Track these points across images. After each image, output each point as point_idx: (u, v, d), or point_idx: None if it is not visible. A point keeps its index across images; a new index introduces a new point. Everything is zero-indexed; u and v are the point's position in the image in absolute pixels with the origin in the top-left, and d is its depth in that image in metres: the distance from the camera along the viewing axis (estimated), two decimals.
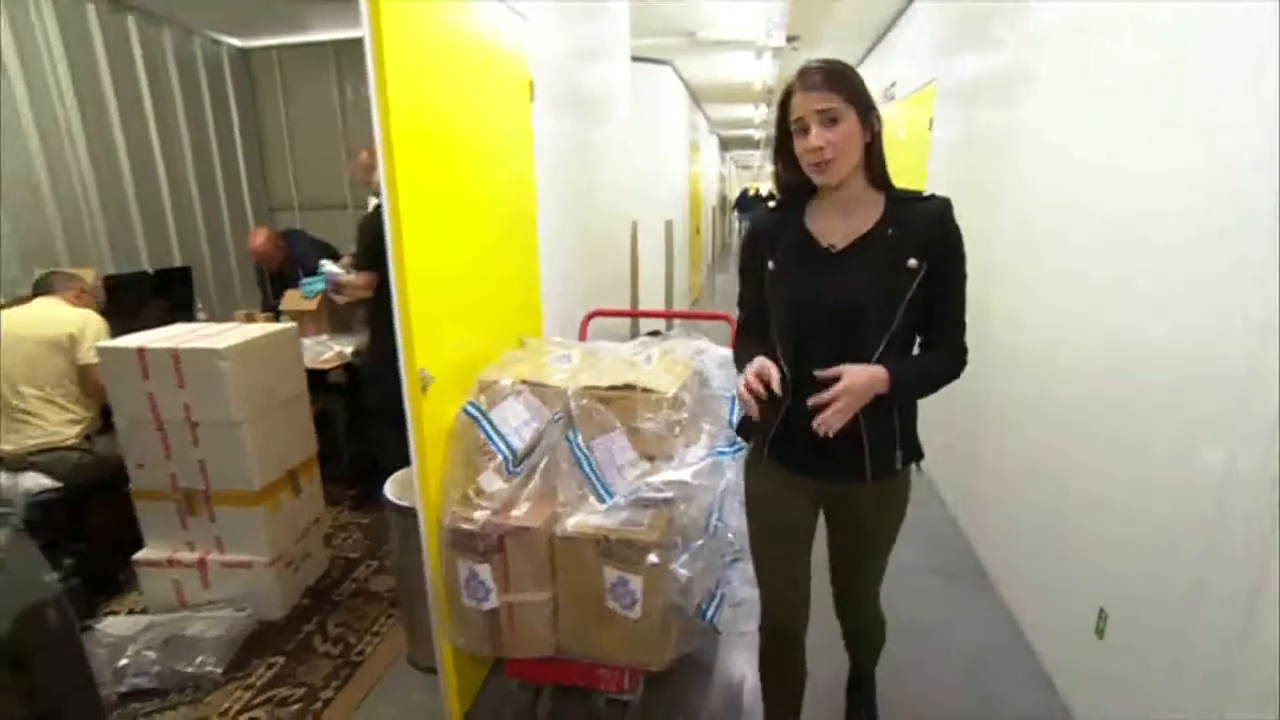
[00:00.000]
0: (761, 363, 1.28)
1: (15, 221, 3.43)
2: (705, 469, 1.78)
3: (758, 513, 1.54)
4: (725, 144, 15.05)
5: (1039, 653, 2.20)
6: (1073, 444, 2.01)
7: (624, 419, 1.76)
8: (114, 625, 2.29)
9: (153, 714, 2.03)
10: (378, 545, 2.95)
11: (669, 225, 6.53)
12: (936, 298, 1.30)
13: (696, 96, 8.34)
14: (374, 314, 2.81)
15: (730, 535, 1.85)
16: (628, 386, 1.78)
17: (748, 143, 14.61)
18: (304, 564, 2.59)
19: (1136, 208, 1.72)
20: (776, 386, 1.25)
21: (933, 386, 1.35)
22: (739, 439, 2.04)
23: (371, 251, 2.68)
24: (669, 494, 1.71)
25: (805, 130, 1.24)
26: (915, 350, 1.38)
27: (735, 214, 24.33)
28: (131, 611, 2.46)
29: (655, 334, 3.13)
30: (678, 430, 1.78)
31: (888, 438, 1.37)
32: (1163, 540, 1.57)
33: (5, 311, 2.52)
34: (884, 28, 4.78)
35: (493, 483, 1.74)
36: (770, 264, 1.37)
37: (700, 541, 1.75)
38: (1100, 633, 1.81)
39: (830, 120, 1.21)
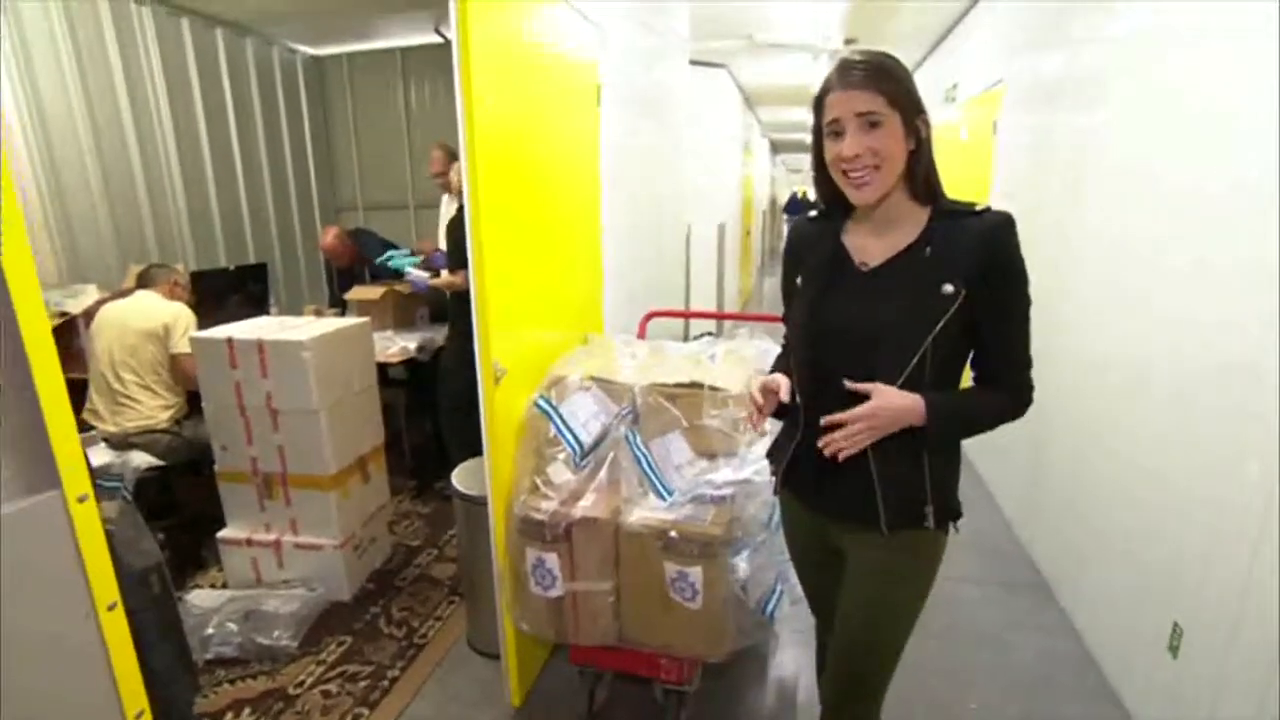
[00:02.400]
0: (773, 376, 1.22)
1: (115, 220, 3.68)
2: (764, 465, 1.80)
3: (787, 537, 1.45)
4: (776, 147, 14.97)
5: (1104, 666, 2.15)
6: (1147, 455, 1.96)
7: (689, 416, 1.79)
8: (200, 597, 2.44)
9: (235, 681, 2.16)
10: (438, 534, 3.05)
11: (721, 228, 6.54)
12: (987, 330, 1.11)
13: (750, 99, 8.34)
14: (456, 310, 2.93)
15: None
16: (694, 384, 1.82)
17: (799, 146, 14.48)
18: (370, 548, 2.71)
19: (1219, 223, 1.67)
20: (784, 394, 1.17)
21: (979, 427, 1.16)
22: None
23: (461, 249, 2.79)
24: (729, 491, 1.73)
25: (839, 134, 1.07)
26: (964, 384, 1.20)
27: (785, 217, 24.21)
28: (214, 586, 2.61)
29: (709, 335, 3.17)
30: (742, 428, 1.81)
31: (912, 483, 1.15)
32: (1245, 555, 1.52)
33: (110, 303, 2.72)
34: (946, 28, 4.71)
35: (561, 474, 1.80)
36: (798, 280, 1.24)
37: (762, 537, 1.77)
38: (1174, 650, 1.76)
39: (870, 125, 1.04)
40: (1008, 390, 1.15)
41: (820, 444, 1.11)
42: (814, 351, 1.18)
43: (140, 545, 2.01)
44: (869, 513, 1.16)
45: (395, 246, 4.01)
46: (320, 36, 4.87)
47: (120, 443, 2.50)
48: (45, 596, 0.75)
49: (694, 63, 4.91)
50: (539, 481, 1.82)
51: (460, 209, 3.02)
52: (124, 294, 2.80)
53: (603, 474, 1.81)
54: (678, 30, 4.02)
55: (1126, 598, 2.04)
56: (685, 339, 3.46)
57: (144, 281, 2.76)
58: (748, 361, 2.03)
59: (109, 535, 1.98)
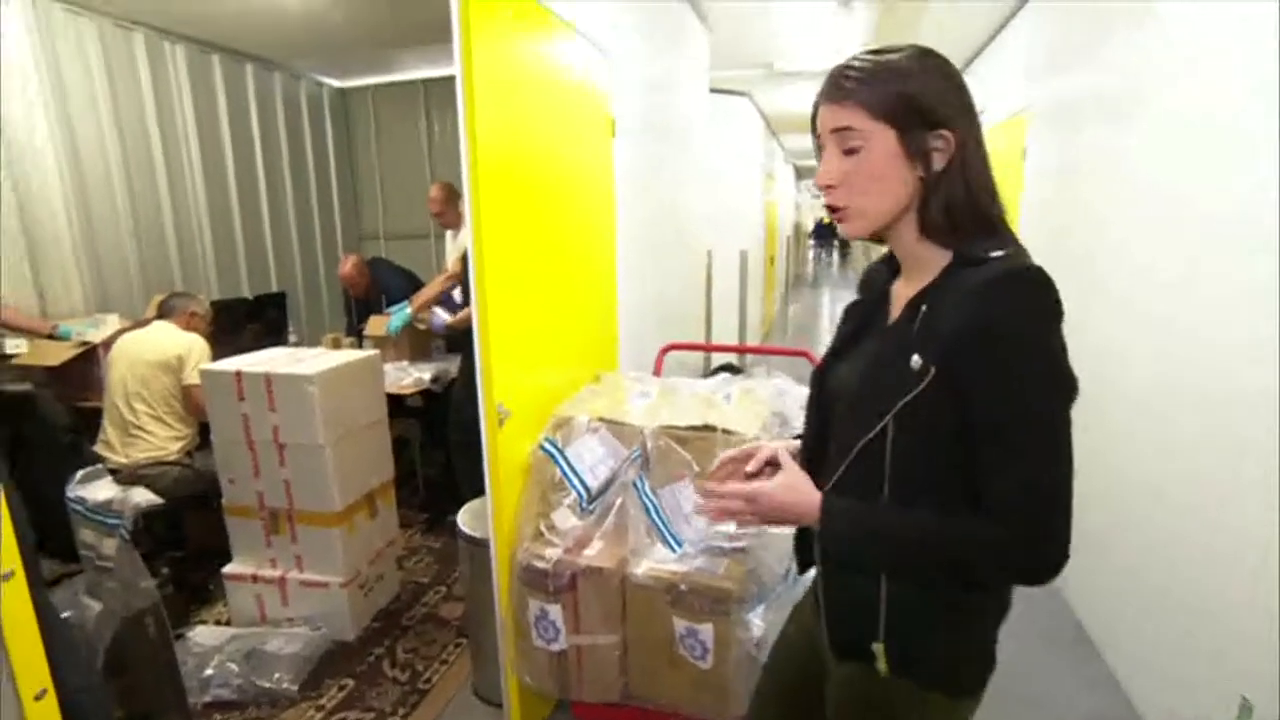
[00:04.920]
0: (748, 446, 1.04)
1: (141, 251, 3.75)
2: None
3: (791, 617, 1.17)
4: (800, 173, 14.94)
5: None
6: (1199, 497, 1.81)
7: (701, 460, 1.71)
8: (202, 635, 2.39)
9: None
10: (448, 571, 2.98)
11: (744, 255, 6.47)
12: (977, 434, 0.78)
13: (773, 126, 8.32)
14: (466, 343, 2.90)
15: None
16: (707, 427, 1.74)
17: None
18: (377, 585, 2.64)
19: (1253, 246, 1.55)
20: (752, 465, 0.98)
21: (926, 568, 0.84)
22: None
23: None
24: (745, 543, 1.64)
25: (821, 151, 0.87)
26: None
27: (811, 243, 24.10)
28: (218, 622, 2.56)
29: (729, 367, 3.08)
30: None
31: (861, 604, 0.88)
32: None
33: (127, 333, 2.72)
34: (972, 53, 4.63)
35: (566, 520, 1.72)
36: None
37: (779, 591, 1.67)
38: None
39: (846, 149, 0.82)
40: (994, 526, 0.77)
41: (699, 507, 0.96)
42: (814, 411, 1.01)
43: (137, 585, 1.97)
44: (824, 620, 0.95)
45: (411, 275, 4.03)
46: (346, 69, 4.96)
47: (128, 477, 2.48)
48: None
49: (715, 90, 4.90)
50: (544, 527, 1.74)
51: None
52: (142, 324, 2.81)
53: (610, 520, 1.73)
54: (697, 60, 4.00)
55: (1183, 661, 1.87)
56: (706, 372, 3.38)
57: (163, 312, 2.77)
58: (763, 402, 1.94)
59: (106, 574, 1.94)
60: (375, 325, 3.60)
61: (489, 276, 1.59)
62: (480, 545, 1.98)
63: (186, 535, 2.79)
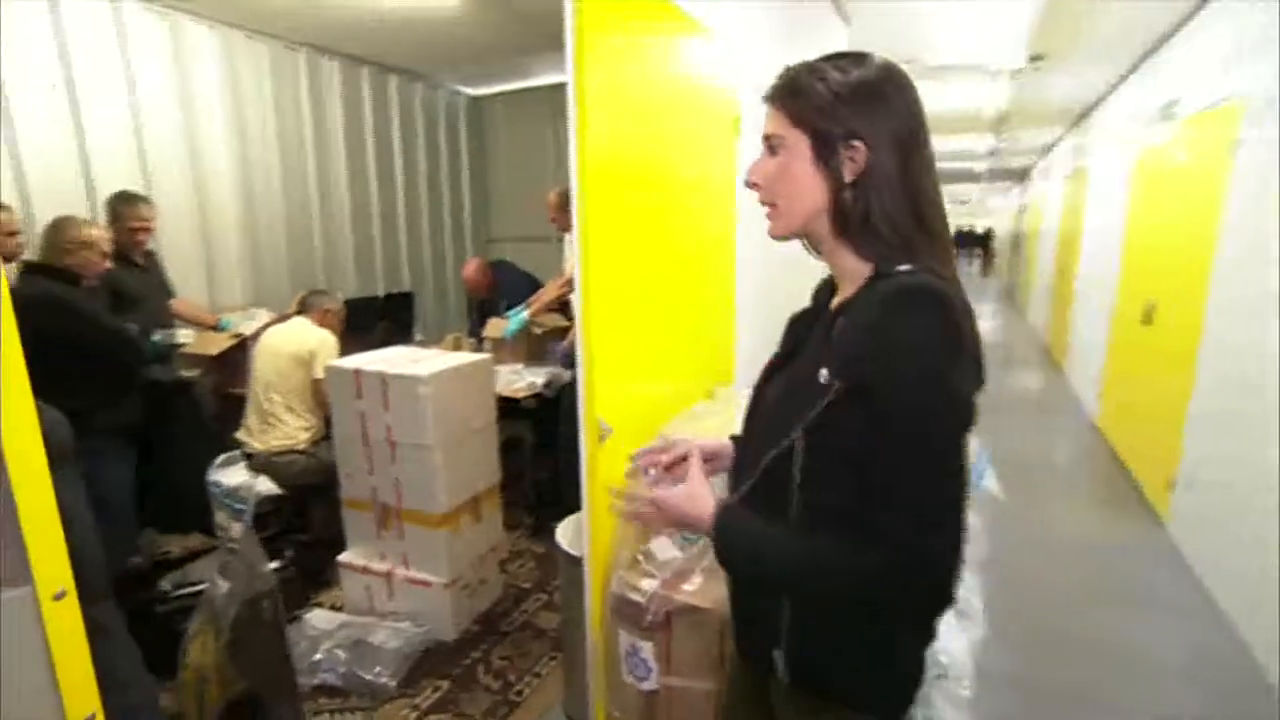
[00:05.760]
0: (673, 440, 1.06)
1: (292, 251, 4.07)
2: None
3: None
4: (940, 177, 13.93)
5: None
6: None
7: None
8: (316, 618, 2.50)
9: (334, 713, 2.15)
10: (550, 577, 2.94)
11: None
12: (867, 455, 0.77)
13: None
14: None
15: (941, 655, 1.52)
16: None
17: (966, 176, 13.39)
18: (479, 589, 2.64)
19: None
20: (666, 457, 1.03)
21: (810, 591, 0.84)
22: None
23: None
24: None
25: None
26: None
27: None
28: (333, 607, 2.67)
29: None
30: None
31: (760, 610, 0.91)
32: None
33: (271, 327, 2.93)
34: (1161, 36, 4.01)
35: (666, 550, 1.59)
36: None
37: None
38: None
39: (771, 149, 0.88)
40: (870, 546, 0.75)
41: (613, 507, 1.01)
42: (747, 422, 1.00)
43: (258, 569, 2.06)
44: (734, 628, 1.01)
45: (532, 278, 4.07)
46: (482, 78, 5.15)
47: (262, 463, 2.65)
48: (7, 710, 0.66)
49: None
50: (640, 556, 1.62)
51: None
52: (284, 319, 3.00)
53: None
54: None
55: None
56: None
57: (301, 308, 2.95)
58: None
59: (234, 555, 2.05)
60: (493, 328, 3.67)
61: (593, 284, 1.50)
62: (576, 564, 1.90)
63: (311, 521, 2.96)
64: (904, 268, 0.79)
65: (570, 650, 2.11)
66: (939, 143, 8.89)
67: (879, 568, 0.75)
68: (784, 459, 0.83)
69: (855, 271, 0.86)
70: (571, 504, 2.18)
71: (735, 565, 0.90)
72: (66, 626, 0.65)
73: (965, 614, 1.59)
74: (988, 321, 11.09)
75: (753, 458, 0.89)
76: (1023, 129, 7.39)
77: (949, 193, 18.67)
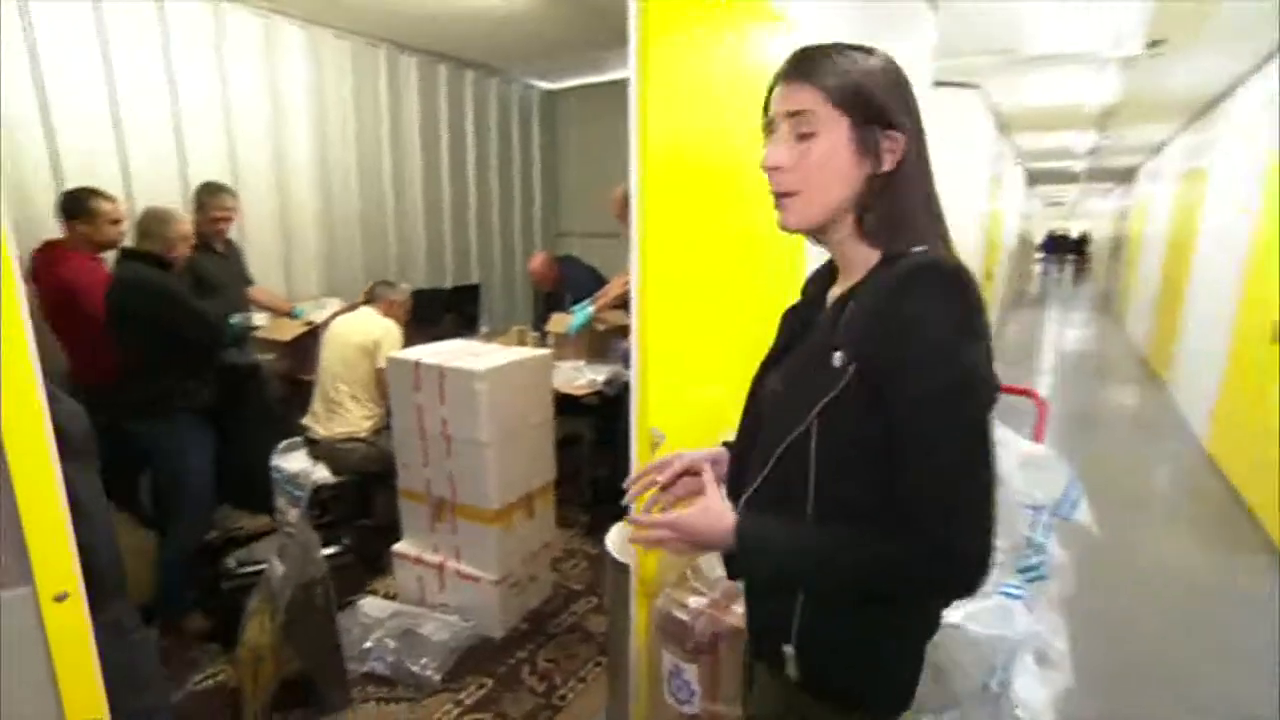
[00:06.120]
0: (671, 455, 1.02)
1: (366, 243, 4.18)
2: (987, 611, 1.33)
3: None
4: (1034, 177, 13.10)
5: None
6: None
7: None
8: (369, 606, 2.53)
9: (382, 702, 2.17)
10: (601, 578, 2.89)
11: None
12: (891, 440, 0.74)
13: (1005, 123, 7.29)
14: None
15: (1018, 709, 1.36)
16: None
17: (1063, 176, 12.52)
18: (529, 586, 2.62)
19: None
20: (665, 475, 0.99)
21: (838, 588, 0.82)
22: (1037, 565, 1.54)
23: None
24: None
25: (771, 133, 0.85)
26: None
27: (1039, 256, 21.19)
28: (386, 595, 2.71)
29: None
30: None
31: (774, 608, 0.89)
32: None
33: (340, 316, 2.99)
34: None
35: (716, 568, 1.50)
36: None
37: (970, 707, 1.30)
38: None
39: (800, 133, 0.80)
40: (901, 535, 0.74)
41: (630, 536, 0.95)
42: (745, 421, 0.98)
43: (312, 555, 2.10)
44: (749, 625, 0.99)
45: (598, 273, 4.03)
46: (556, 72, 5.14)
47: (325, 450, 2.71)
48: (6, 716, 0.63)
49: (939, 84, 4.32)
50: (689, 572, 1.53)
51: None
52: (353, 308, 3.07)
53: None
54: (920, 48, 3.52)
55: None
56: None
57: (369, 298, 3.01)
58: None
59: (290, 539, 2.08)
60: (557, 323, 3.65)
61: (650, 285, 1.42)
62: (624, 572, 1.84)
63: (372, 507, 3.01)
64: (918, 249, 0.78)
65: (615, 660, 2.04)
66: (1033, 139, 8.36)
67: (907, 559, 0.74)
68: (799, 447, 0.81)
69: (863, 259, 0.84)
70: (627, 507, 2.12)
71: (761, 570, 0.86)
72: (69, 629, 0.62)
73: (1048, 659, 1.43)
74: (1078, 330, 10.35)
75: (759, 453, 0.87)
76: (1131, 125, 6.81)
77: (1041, 193, 17.60)
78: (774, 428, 0.86)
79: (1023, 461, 1.60)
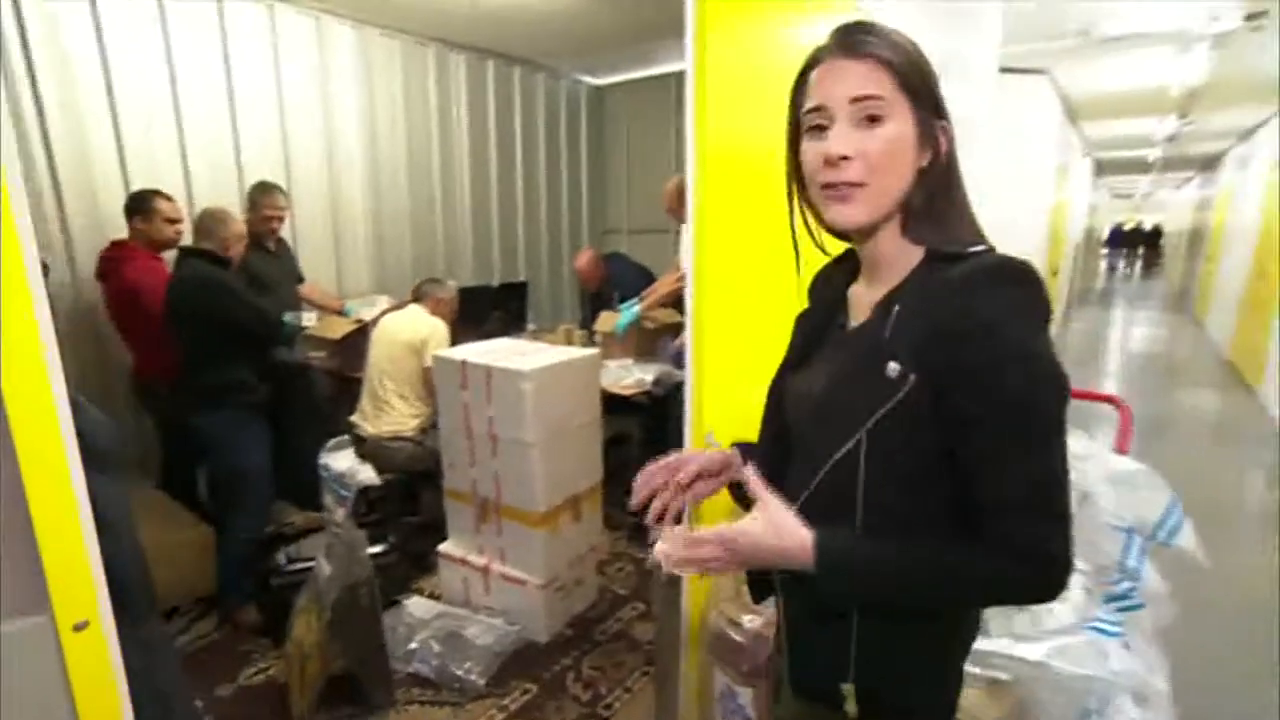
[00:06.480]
0: (686, 454, 0.94)
1: (415, 240, 4.21)
2: (1076, 648, 1.20)
3: None
4: (1102, 168, 12.44)
5: None
6: None
7: None
8: (415, 606, 2.53)
9: (426, 704, 2.15)
10: (647, 585, 2.82)
11: None
12: (957, 441, 0.71)
13: (1073, 112, 6.90)
14: None
15: None
16: None
17: (1134, 166, 11.85)
18: (574, 590, 2.57)
19: None
20: (685, 475, 0.90)
21: (925, 592, 0.76)
22: (1129, 593, 1.40)
23: None
24: (1007, 674, 1.18)
25: (822, 127, 0.76)
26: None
27: (1104, 252, 20.15)
28: (431, 595, 2.70)
29: None
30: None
31: (828, 641, 0.82)
32: None
33: (388, 314, 3.00)
34: None
35: None
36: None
37: None
38: None
39: (869, 117, 0.73)
40: (986, 543, 0.71)
41: (653, 549, 0.82)
42: (770, 430, 0.93)
43: (357, 555, 2.09)
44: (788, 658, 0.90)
45: (647, 271, 3.96)
46: (605, 67, 5.09)
47: (372, 448, 2.71)
48: None
49: (1004, 70, 4.08)
50: (745, 587, 1.44)
51: None
52: (401, 306, 3.07)
53: None
54: (984, 35, 3.32)
55: None
56: None
57: (416, 296, 3.00)
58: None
59: (337, 539, 2.07)
60: (605, 321, 3.59)
61: (708, 284, 1.33)
62: (674, 584, 1.76)
63: (418, 506, 3.01)
64: (978, 248, 0.74)
65: (663, 673, 1.97)
66: (1103, 127, 7.90)
67: (1000, 567, 0.71)
68: (847, 462, 0.76)
69: (900, 257, 0.79)
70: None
71: (845, 591, 0.78)
72: (90, 660, 0.58)
73: (1145, 699, 1.29)
74: (1150, 329, 9.77)
75: (803, 464, 0.83)
76: (1219, 109, 6.34)
77: (1109, 184, 16.71)
78: (819, 438, 0.80)
79: (1112, 477, 1.45)
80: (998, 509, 0.70)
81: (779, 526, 0.76)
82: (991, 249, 0.75)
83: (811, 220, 0.85)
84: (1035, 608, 1.23)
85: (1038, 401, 0.69)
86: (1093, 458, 1.48)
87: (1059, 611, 1.22)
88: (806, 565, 0.75)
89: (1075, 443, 1.53)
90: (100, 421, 1.07)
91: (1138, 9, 3.62)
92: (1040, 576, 0.71)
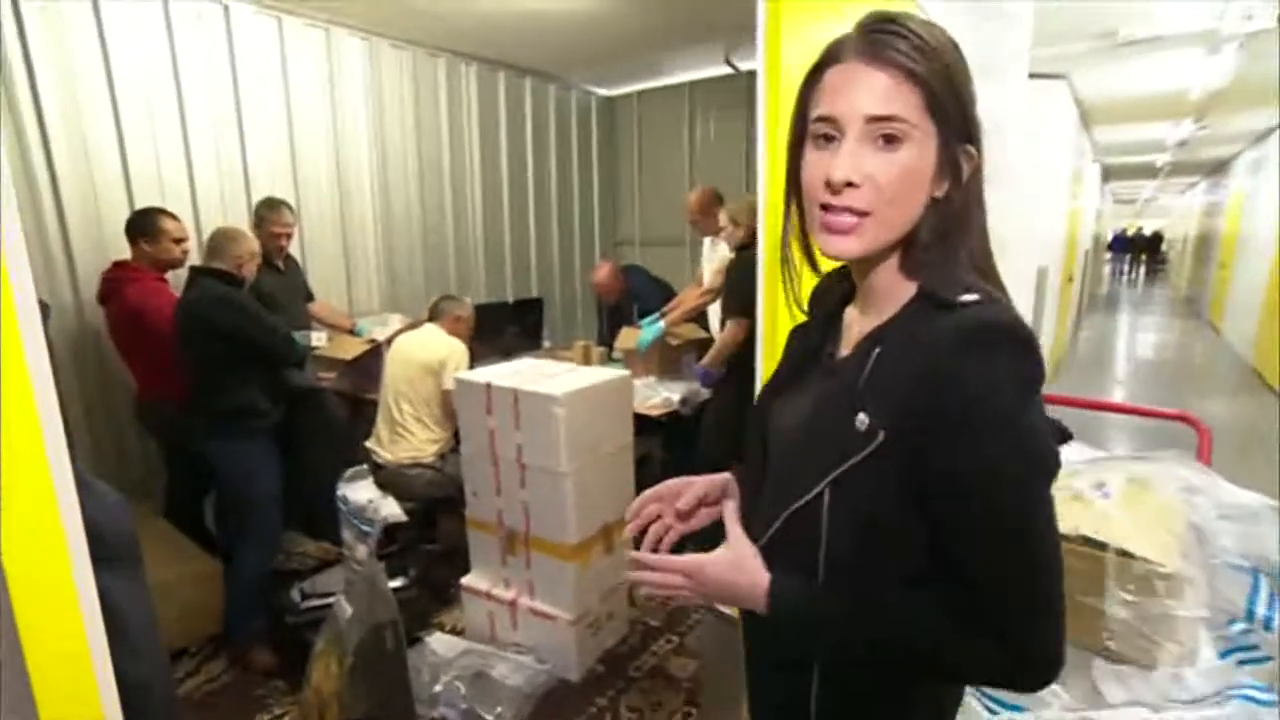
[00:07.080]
0: (686, 480, 0.87)
1: (426, 256, 4.09)
2: (1218, 710, 1.06)
3: None
4: (1109, 173, 12.39)
5: None
6: None
7: (1081, 588, 1.13)
8: (438, 643, 2.37)
9: None
10: (681, 616, 2.67)
11: (1042, 273, 5.36)
12: (938, 516, 0.64)
13: (1087, 116, 6.83)
14: (730, 367, 2.70)
15: None
16: (1086, 540, 1.15)
17: (1140, 171, 11.79)
18: (606, 624, 2.42)
19: None
20: (683, 502, 0.84)
21: (895, 664, 0.70)
22: (1256, 647, 1.25)
23: (739, 295, 2.59)
24: None
25: (830, 138, 0.64)
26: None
27: (1108, 256, 20.06)
28: (454, 629, 2.55)
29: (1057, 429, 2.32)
30: (1171, 632, 1.09)
31: (784, 703, 0.79)
32: None
33: (403, 334, 2.87)
34: None
35: None
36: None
37: None
38: None
39: (886, 137, 0.62)
40: (963, 624, 0.64)
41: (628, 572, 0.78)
42: (758, 456, 0.82)
43: (379, 592, 1.94)
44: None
45: (665, 285, 3.84)
46: (617, 77, 5.00)
47: (391, 474, 2.57)
48: None
49: (1031, 75, 3.99)
50: None
51: (740, 250, 2.69)
52: (416, 325, 2.94)
53: None
54: (1013, 40, 3.23)
55: None
56: None
57: (432, 314, 2.87)
58: (1170, 508, 1.27)
59: (357, 576, 1.93)
60: (626, 338, 3.46)
61: (779, 306, 1.20)
62: (731, 625, 1.62)
63: (439, 532, 2.87)
64: (970, 297, 0.64)
65: (710, 705, 1.83)
66: (1114, 132, 7.83)
67: (986, 656, 0.64)
68: (809, 512, 0.70)
69: (894, 289, 0.70)
70: (714, 536, 1.89)
71: (795, 643, 0.75)
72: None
73: None
74: (1162, 335, 9.66)
75: (766, 508, 0.76)
76: (1236, 112, 6.27)
77: (1112, 190, 16.67)
78: (782, 481, 0.75)
79: (1225, 512, 1.32)
80: (985, 595, 0.63)
81: (739, 564, 0.73)
82: (989, 297, 0.64)
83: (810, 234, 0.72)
84: (1168, 661, 1.09)
85: (1027, 495, 0.62)
86: (1204, 489, 1.34)
87: (1194, 673, 1.08)
88: (759, 608, 0.71)
89: (1187, 470, 1.40)
90: (112, 503, 0.88)
91: (1167, 9, 3.53)
92: (1027, 674, 0.65)
